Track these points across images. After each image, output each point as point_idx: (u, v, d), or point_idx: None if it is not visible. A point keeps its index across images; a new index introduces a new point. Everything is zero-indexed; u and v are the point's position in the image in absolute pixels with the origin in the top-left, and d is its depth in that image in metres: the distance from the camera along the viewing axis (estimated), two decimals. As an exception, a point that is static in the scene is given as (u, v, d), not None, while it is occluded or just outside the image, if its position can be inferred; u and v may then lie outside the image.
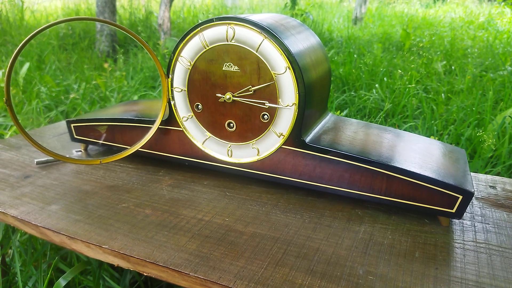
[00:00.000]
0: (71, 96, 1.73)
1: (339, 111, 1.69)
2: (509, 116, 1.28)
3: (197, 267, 0.45)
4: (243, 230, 0.52)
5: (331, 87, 2.00)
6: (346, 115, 1.70)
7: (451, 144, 1.33)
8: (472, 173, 0.70)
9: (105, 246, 0.49)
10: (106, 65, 2.27)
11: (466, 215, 0.57)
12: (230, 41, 0.56)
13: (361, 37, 3.45)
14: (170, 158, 0.67)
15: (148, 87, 2.09)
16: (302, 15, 4.55)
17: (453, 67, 2.35)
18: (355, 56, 2.50)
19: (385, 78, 2.00)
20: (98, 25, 3.38)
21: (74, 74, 2.28)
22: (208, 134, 0.63)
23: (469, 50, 2.90)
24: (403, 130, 1.45)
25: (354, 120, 0.69)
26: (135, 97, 1.85)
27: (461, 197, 0.51)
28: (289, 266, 0.46)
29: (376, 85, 1.89)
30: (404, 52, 2.83)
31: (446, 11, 5.84)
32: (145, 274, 0.48)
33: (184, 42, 0.59)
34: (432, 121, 1.45)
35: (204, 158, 0.65)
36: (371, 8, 5.83)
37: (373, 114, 1.67)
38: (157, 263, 0.46)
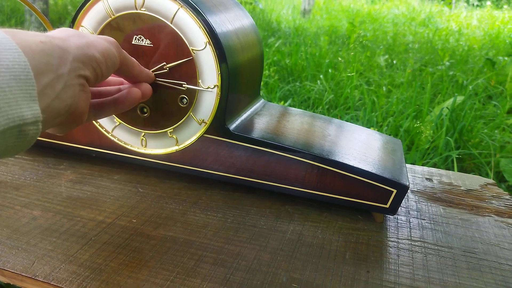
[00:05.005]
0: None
1: (283, 102, 1.64)
2: (447, 107, 1.29)
3: (85, 282, 0.37)
4: (151, 234, 0.44)
5: (276, 78, 1.95)
6: (289, 105, 1.66)
7: (390, 135, 1.33)
8: (408, 165, 0.67)
9: (-31, 259, 0.39)
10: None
11: (401, 210, 0.53)
12: (140, 9, 0.47)
13: (308, 29, 3.44)
14: (75, 149, 0.57)
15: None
16: (251, 3, 4.48)
17: (394, 61, 2.40)
18: (302, 47, 2.47)
19: (329, 70, 1.99)
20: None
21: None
22: (118, 120, 0.54)
23: (410, 45, 2.98)
24: (344, 121, 1.43)
25: (290, 108, 0.63)
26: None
27: (395, 191, 0.47)
28: (201, 276, 0.39)
29: (321, 76, 1.87)
30: (350, 45, 2.86)
31: (390, 7, 6.03)
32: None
33: (84, 9, 0.49)
34: (373, 113, 1.44)
35: (114, 148, 0.55)
36: (319, 1, 5.88)
37: (316, 104, 1.64)
38: (37, 277, 0.37)
